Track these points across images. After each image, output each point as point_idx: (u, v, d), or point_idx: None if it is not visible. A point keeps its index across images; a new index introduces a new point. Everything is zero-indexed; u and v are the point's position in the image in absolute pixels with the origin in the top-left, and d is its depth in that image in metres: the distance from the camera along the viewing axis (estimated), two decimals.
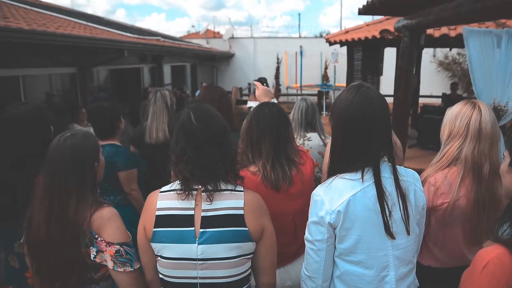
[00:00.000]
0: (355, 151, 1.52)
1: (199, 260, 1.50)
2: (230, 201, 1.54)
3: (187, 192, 1.53)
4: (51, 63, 6.84)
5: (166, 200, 1.56)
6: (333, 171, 1.58)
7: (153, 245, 1.55)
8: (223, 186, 1.56)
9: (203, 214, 1.51)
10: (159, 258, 1.56)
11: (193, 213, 1.52)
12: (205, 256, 1.50)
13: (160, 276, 1.59)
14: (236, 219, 1.52)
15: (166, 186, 1.62)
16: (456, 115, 1.93)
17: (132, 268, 1.65)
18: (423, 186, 1.88)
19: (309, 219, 1.57)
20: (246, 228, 1.52)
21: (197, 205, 1.52)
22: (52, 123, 2.32)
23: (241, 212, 1.53)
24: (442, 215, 1.88)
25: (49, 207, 1.61)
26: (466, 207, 1.86)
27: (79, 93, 7.62)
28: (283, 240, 1.94)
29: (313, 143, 3.08)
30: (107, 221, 1.64)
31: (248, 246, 1.55)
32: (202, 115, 1.59)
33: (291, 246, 2.02)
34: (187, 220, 1.51)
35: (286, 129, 2.04)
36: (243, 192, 1.58)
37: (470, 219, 1.88)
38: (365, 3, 5.01)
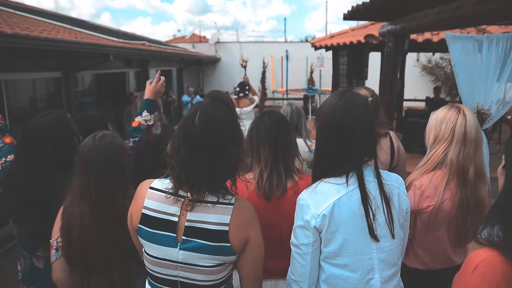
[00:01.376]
0: (338, 156, 1.53)
1: (179, 263, 1.50)
2: (217, 216, 1.48)
3: (174, 198, 1.49)
4: (35, 67, 6.76)
5: (153, 200, 1.52)
6: (318, 175, 1.60)
7: (138, 237, 1.55)
8: (212, 198, 1.48)
9: (187, 224, 1.48)
10: (143, 251, 1.56)
11: (177, 220, 1.49)
12: (185, 261, 1.49)
13: (146, 268, 1.60)
14: (220, 235, 1.48)
15: (158, 181, 1.55)
16: (441, 120, 1.96)
17: None
18: (408, 189, 1.92)
19: (295, 223, 1.58)
20: (229, 244, 1.48)
21: (182, 214, 1.49)
22: (76, 134, 2.25)
23: (226, 228, 1.48)
24: (428, 218, 1.92)
25: (93, 206, 1.73)
26: (451, 210, 1.90)
27: (64, 98, 7.54)
28: (272, 252, 1.92)
29: None
30: None
31: (230, 258, 1.53)
32: (208, 117, 1.47)
33: (280, 262, 1.97)
34: (170, 226, 1.49)
35: (286, 137, 2.02)
36: (232, 206, 1.50)
37: (454, 221, 1.92)
38: (350, 8, 5.08)
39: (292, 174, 1.99)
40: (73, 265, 1.79)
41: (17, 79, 6.46)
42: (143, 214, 1.52)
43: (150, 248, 1.53)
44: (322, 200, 1.50)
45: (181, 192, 1.49)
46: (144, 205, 1.52)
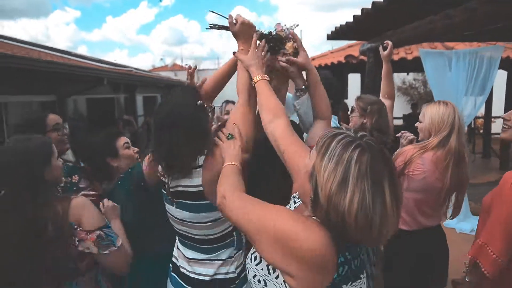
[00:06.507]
0: None
1: (178, 219, 1.77)
2: (192, 180, 1.68)
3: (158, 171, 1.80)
4: (31, 90, 6.98)
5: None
6: None
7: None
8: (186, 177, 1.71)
9: (171, 189, 1.73)
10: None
11: (167, 181, 1.75)
12: (181, 218, 1.75)
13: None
14: (196, 195, 1.68)
15: None
16: (442, 114, 2.28)
17: (115, 246, 1.69)
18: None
19: None
20: (208, 201, 1.66)
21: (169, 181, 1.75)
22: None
23: (200, 189, 1.67)
24: (410, 181, 2.25)
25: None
26: (436, 181, 2.23)
27: None
28: None
29: None
30: (82, 210, 1.65)
31: (219, 213, 1.63)
32: (169, 99, 1.76)
33: None
34: (164, 186, 1.78)
35: None
36: (200, 169, 1.68)
37: (438, 190, 2.25)
38: (324, 34, 5.54)
39: None
40: None
41: (15, 101, 6.67)
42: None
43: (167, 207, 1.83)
44: None
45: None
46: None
